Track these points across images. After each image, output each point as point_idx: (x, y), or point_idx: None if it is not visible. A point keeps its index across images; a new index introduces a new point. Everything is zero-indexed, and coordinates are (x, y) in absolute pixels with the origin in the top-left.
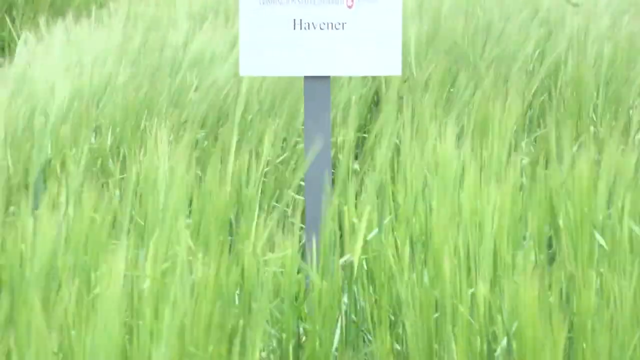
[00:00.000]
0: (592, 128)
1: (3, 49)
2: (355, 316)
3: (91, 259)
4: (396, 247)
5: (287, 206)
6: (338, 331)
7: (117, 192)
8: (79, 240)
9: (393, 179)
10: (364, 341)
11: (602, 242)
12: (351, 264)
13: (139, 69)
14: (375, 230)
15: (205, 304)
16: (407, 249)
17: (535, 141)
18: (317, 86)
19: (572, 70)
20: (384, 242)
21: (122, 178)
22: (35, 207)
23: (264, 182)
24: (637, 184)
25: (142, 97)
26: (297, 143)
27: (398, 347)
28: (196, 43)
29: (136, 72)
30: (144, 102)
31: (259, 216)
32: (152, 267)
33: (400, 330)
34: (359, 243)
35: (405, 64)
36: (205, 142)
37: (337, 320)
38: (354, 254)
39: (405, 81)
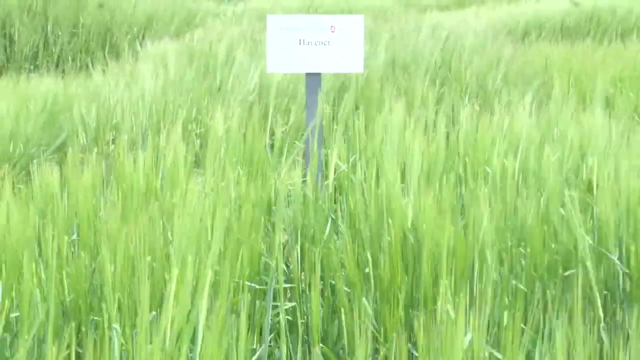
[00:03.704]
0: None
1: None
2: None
3: (182, 180)
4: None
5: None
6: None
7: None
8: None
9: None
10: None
11: (489, 170)
12: (328, 184)
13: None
14: (345, 166)
15: (247, 206)
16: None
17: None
18: (313, 79)
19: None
20: (352, 171)
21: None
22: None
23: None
24: (503, 135)
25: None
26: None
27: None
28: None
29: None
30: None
31: (281, 156)
32: (211, 186)
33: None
34: (332, 169)
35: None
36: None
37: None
38: (330, 177)
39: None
